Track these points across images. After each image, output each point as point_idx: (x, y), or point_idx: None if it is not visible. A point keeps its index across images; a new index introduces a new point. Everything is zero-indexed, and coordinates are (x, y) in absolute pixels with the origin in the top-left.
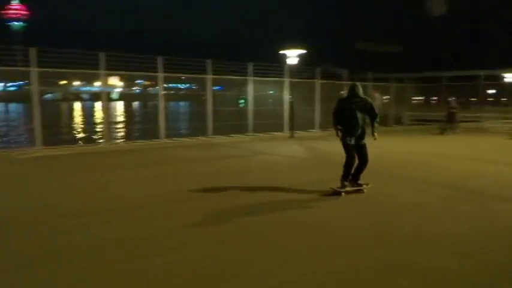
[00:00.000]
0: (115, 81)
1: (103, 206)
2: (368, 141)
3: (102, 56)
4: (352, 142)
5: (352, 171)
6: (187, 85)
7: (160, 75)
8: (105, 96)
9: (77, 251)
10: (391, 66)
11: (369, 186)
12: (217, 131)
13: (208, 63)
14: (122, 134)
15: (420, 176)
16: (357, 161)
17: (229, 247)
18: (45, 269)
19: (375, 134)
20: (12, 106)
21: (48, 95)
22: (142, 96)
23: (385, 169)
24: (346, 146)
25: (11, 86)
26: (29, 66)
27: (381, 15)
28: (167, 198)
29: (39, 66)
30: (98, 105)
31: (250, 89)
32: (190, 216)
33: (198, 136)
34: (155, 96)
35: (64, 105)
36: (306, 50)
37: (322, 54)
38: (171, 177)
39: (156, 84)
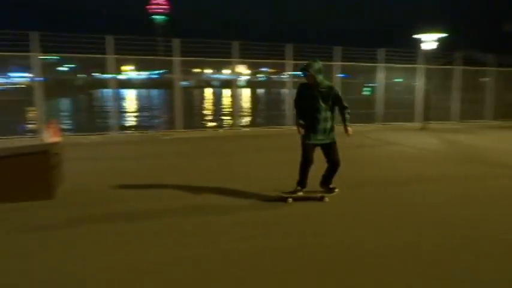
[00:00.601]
0: (243, 69)
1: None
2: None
3: (235, 45)
4: (313, 141)
5: (324, 173)
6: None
7: (289, 62)
8: (235, 84)
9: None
10: None
11: (336, 192)
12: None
13: (336, 50)
14: (249, 119)
15: None
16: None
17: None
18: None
19: (349, 128)
20: (154, 92)
21: (183, 82)
22: (266, 84)
23: None
24: (303, 144)
25: (153, 74)
26: (171, 56)
27: None
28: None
29: (180, 56)
30: (227, 92)
31: (380, 76)
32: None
33: None
34: (278, 83)
35: (196, 92)
36: (444, 33)
37: (461, 37)
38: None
39: (279, 72)
